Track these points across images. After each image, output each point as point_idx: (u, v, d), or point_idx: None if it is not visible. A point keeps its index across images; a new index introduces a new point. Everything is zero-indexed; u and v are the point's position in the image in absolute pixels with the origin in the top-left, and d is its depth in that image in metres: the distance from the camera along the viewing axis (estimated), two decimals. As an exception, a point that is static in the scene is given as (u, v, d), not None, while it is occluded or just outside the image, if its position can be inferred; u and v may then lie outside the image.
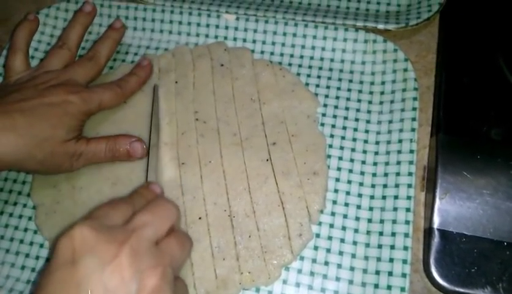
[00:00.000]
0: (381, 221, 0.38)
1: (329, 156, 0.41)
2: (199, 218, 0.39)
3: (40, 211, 0.41)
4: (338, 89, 0.44)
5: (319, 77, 0.45)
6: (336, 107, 0.44)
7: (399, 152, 0.40)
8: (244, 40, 0.48)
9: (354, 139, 0.42)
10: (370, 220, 0.38)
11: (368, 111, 0.43)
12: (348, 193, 0.40)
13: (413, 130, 0.40)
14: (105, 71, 0.48)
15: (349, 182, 0.40)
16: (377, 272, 0.36)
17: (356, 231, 0.38)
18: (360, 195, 0.40)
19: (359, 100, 0.44)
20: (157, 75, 0.46)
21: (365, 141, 0.42)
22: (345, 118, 0.43)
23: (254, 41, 0.47)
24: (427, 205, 0.39)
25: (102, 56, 0.45)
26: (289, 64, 0.46)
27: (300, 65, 0.46)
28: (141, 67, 0.45)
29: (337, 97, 0.44)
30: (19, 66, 0.44)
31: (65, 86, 0.40)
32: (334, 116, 0.43)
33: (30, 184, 0.43)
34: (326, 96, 0.44)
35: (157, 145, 0.42)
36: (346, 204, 0.39)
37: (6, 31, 0.52)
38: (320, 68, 0.46)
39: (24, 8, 0.53)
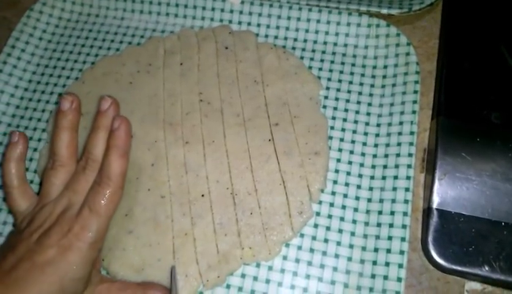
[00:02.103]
0: (381, 200, 0.38)
1: (330, 137, 0.42)
2: (202, 195, 0.40)
3: None
4: (341, 72, 0.45)
5: (322, 61, 0.46)
6: (338, 90, 0.44)
7: (400, 133, 0.40)
8: (249, 24, 0.48)
9: (355, 122, 0.42)
10: (369, 200, 0.39)
11: (370, 94, 0.44)
12: (348, 173, 0.40)
13: (413, 112, 0.41)
14: (111, 53, 0.49)
15: (350, 162, 0.41)
16: (376, 250, 0.37)
17: (355, 210, 0.39)
18: (360, 176, 0.40)
19: (361, 84, 0.44)
20: (162, 57, 0.47)
21: (367, 124, 0.42)
22: (347, 101, 0.44)
23: (259, 25, 0.48)
24: (426, 186, 0.40)
25: (96, 157, 0.36)
26: (293, 48, 0.47)
27: (303, 49, 0.47)
28: (115, 134, 0.35)
29: (340, 80, 0.45)
30: (21, 205, 0.37)
31: (56, 228, 0.33)
32: (336, 99, 0.44)
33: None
34: (329, 79, 0.45)
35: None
36: (347, 184, 0.40)
37: (15, 13, 0.53)
38: (323, 52, 0.46)
39: (33, -10, 0.54)
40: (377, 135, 0.42)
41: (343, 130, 0.42)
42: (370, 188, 0.39)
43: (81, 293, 0.33)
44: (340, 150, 0.41)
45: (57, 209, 0.34)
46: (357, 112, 0.43)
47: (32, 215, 0.35)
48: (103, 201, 0.33)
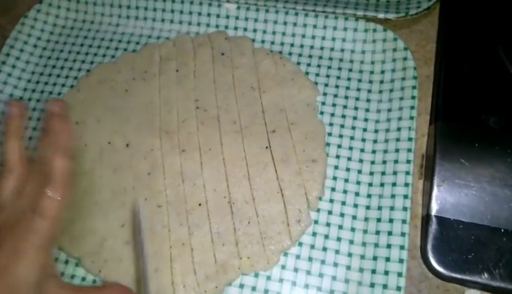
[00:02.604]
0: (379, 208, 0.38)
1: (328, 144, 0.42)
2: (199, 204, 0.39)
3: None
4: (338, 78, 0.45)
5: (319, 66, 0.45)
6: (336, 96, 0.44)
7: (398, 140, 0.40)
8: (245, 29, 0.48)
9: (353, 128, 0.42)
10: (368, 207, 0.39)
11: (368, 100, 0.43)
12: (346, 180, 0.40)
13: (411, 118, 0.40)
14: (106, 60, 0.48)
15: (347, 169, 0.41)
16: (375, 258, 0.37)
17: (354, 217, 0.39)
18: (358, 183, 0.40)
19: (358, 89, 0.44)
20: (158, 64, 0.47)
21: (364, 130, 0.42)
22: (344, 107, 0.43)
23: (255, 31, 0.48)
24: (425, 192, 0.39)
25: (16, 164, 0.34)
26: (290, 53, 0.46)
27: (300, 55, 0.46)
28: (56, 137, 0.34)
29: (337, 86, 0.44)
30: None
31: (8, 234, 0.31)
32: (334, 105, 0.43)
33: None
34: (326, 85, 0.44)
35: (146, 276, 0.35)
36: (345, 191, 0.40)
37: (10, 20, 0.52)
38: (320, 58, 0.46)
39: (27, -3, 0.54)
40: (375, 141, 0.41)
41: (340, 136, 0.42)
42: (369, 196, 0.39)
43: None
44: (337, 156, 0.41)
45: (3, 215, 0.33)
46: (354, 118, 0.43)
47: None
48: (47, 203, 0.32)
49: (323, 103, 0.44)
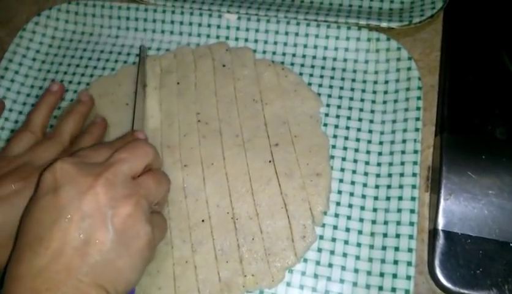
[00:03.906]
0: (385, 222, 0.38)
1: (332, 157, 0.41)
2: (202, 220, 0.39)
3: None
4: (341, 88, 0.44)
5: (321, 77, 0.45)
6: (339, 107, 0.43)
7: (403, 152, 0.39)
8: (246, 40, 0.47)
9: (357, 140, 0.42)
10: (374, 222, 0.38)
11: (372, 111, 0.43)
12: (351, 194, 0.39)
13: (417, 130, 0.40)
14: (106, 73, 0.48)
15: (352, 183, 0.40)
16: (381, 274, 0.36)
17: (360, 232, 0.38)
18: (364, 196, 0.39)
19: (362, 100, 0.43)
20: (158, 76, 0.46)
21: (369, 142, 0.41)
22: (348, 118, 0.43)
23: (256, 41, 0.47)
24: (431, 206, 0.39)
25: (65, 133, 0.40)
26: (292, 64, 0.46)
27: (302, 65, 0.46)
28: (94, 124, 0.42)
29: (340, 97, 0.44)
30: None
31: (15, 173, 0.35)
32: (337, 116, 0.43)
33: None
34: (329, 96, 0.44)
35: (143, 95, 0.43)
36: (350, 206, 0.39)
37: (8, 33, 0.52)
38: (323, 68, 0.45)
39: (26, 10, 0.54)
40: (380, 154, 0.41)
41: (344, 148, 0.41)
42: (374, 210, 0.39)
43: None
44: (342, 170, 0.41)
45: (19, 160, 0.37)
46: (359, 130, 0.42)
47: None
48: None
49: (327, 115, 0.43)
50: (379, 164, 0.40)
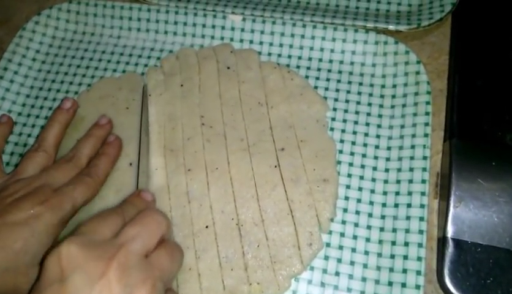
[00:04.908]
0: (394, 230, 0.37)
1: (339, 162, 0.40)
2: (206, 226, 0.38)
3: None
4: (348, 92, 0.43)
5: (328, 80, 0.44)
6: (346, 111, 0.42)
7: (412, 158, 0.39)
8: (251, 42, 0.46)
9: (365, 145, 0.41)
10: (382, 229, 0.37)
11: (380, 116, 0.42)
12: (359, 200, 0.39)
13: (426, 135, 0.39)
14: (108, 74, 0.47)
15: (360, 189, 0.39)
16: (390, 283, 0.35)
17: (367, 240, 0.37)
18: (371, 203, 0.38)
19: (369, 104, 0.42)
20: (162, 79, 0.45)
21: (377, 147, 0.41)
22: (355, 123, 0.42)
23: (261, 43, 0.46)
24: (440, 213, 0.38)
25: (83, 156, 0.39)
26: (298, 66, 0.45)
27: (308, 68, 0.45)
28: (110, 144, 0.41)
29: (347, 101, 0.43)
30: None
31: (33, 196, 0.34)
32: (344, 121, 0.42)
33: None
34: (336, 100, 0.43)
35: (147, 149, 0.41)
36: (358, 212, 0.38)
37: (7, 32, 0.51)
38: (329, 71, 0.44)
39: (26, 8, 0.52)
40: (388, 159, 0.40)
41: (352, 153, 0.41)
42: (382, 217, 0.38)
43: (37, 262, 0.33)
44: (349, 175, 0.40)
45: (35, 183, 0.36)
46: (366, 134, 0.41)
47: (4, 186, 0.36)
48: (85, 187, 0.36)
49: (333, 119, 0.42)
50: (387, 170, 0.39)
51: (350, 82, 0.43)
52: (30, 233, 0.32)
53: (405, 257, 0.35)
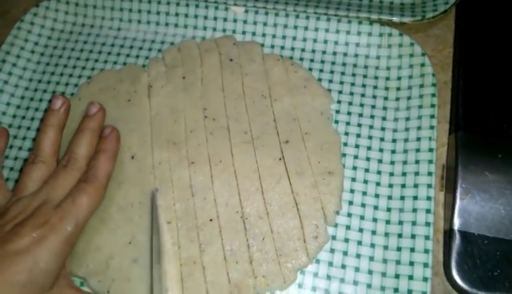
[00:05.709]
0: (400, 222, 0.36)
1: (344, 155, 0.40)
2: (211, 220, 0.37)
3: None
4: (353, 84, 0.43)
5: (332, 72, 0.43)
6: (350, 103, 0.42)
7: (417, 150, 0.38)
8: (254, 34, 0.46)
9: (370, 137, 0.40)
10: (388, 222, 0.37)
11: (384, 108, 0.41)
12: (364, 193, 0.38)
13: (431, 127, 0.39)
14: (108, 66, 0.46)
15: (365, 181, 0.39)
16: (397, 276, 0.35)
17: (373, 233, 0.37)
18: (377, 196, 0.38)
19: (374, 96, 0.42)
20: (164, 71, 0.44)
21: (382, 139, 0.40)
22: (360, 115, 0.41)
23: (264, 35, 0.46)
24: (446, 205, 0.38)
25: (80, 157, 0.36)
26: (301, 59, 0.44)
27: (312, 60, 0.44)
28: (106, 138, 0.38)
29: (351, 93, 0.42)
30: None
31: (33, 219, 0.32)
32: (349, 113, 0.42)
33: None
34: (340, 92, 0.43)
35: (160, 262, 0.35)
36: (363, 205, 0.38)
37: (5, 24, 0.50)
38: (333, 63, 0.44)
39: (24, 0, 0.51)
40: (393, 152, 0.39)
41: (357, 146, 0.40)
42: (388, 209, 0.37)
43: (47, 289, 0.32)
44: (354, 168, 0.39)
45: (35, 202, 0.34)
46: (371, 127, 0.41)
47: (5, 208, 0.34)
48: (86, 197, 0.34)
49: (338, 112, 0.42)
50: (392, 162, 0.39)
51: (354, 75, 0.43)
52: (33, 262, 0.30)
53: (412, 250, 0.35)
